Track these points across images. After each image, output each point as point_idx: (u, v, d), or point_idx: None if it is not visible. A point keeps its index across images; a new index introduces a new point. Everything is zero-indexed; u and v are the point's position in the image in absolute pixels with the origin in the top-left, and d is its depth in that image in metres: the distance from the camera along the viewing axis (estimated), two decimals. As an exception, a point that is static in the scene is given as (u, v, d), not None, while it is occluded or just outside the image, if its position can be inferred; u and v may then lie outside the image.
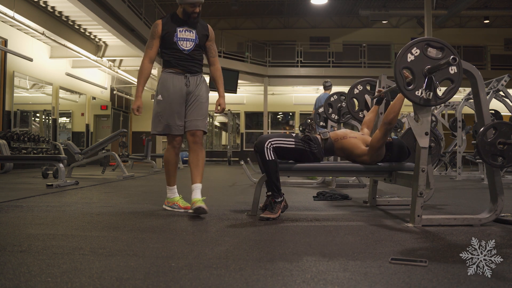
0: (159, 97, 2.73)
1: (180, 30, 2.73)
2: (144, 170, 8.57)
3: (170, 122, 2.71)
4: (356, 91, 3.32)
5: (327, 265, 1.43)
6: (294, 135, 2.66)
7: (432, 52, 2.15)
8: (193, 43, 2.75)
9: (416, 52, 2.13)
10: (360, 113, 3.35)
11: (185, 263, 1.46)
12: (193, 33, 2.76)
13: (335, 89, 6.25)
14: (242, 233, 2.03)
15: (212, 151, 16.08)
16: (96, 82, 11.82)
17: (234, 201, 3.41)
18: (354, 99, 3.38)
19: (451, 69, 2.15)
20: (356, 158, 2.68)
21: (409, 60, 2.13)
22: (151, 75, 8.34)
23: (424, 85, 2.13)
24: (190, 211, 2.61)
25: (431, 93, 2.13)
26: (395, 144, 2.70)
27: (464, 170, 7.52)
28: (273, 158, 2.45)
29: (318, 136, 2.71)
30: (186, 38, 2.74)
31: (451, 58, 2.00)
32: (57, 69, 10.09)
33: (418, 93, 2.14)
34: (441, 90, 2.20)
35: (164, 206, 2.84)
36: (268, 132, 14.39)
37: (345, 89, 3.42)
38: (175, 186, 2.83)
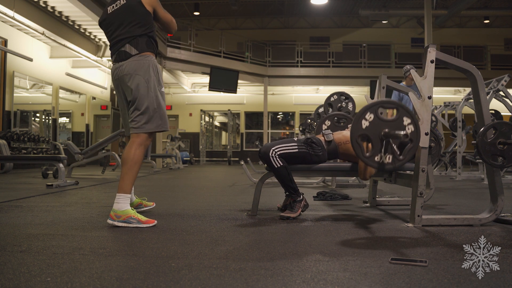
0: (163, 89, 2.42)
1: None
2: (144, 170, 8.56)
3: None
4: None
5: (327, 265, 1.43)
6: (296, 139, 2.65)
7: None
8: None
9: (370, 117, 2.04)
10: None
11: (185, 263, 1.46)
12: None
13: (334, 89, 6.25)
14: (242, 233, 2.03)
15: (212, 151, 16.09)
16: (96, 82, 11.83)
17: (234, 201, 3.41)
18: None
19: (409, 129, 2.08)
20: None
21: (364, 126, 2.04)
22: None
23: (383, 149, 2.07)
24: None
25: (391, 156, 2.07)
26: None
27: (464, 170, 7.51)
28: (282, 164, 2.45)
29: (322, 138, 2.66)
30: None
31: (402, 134, 1.97)
32: (57, 69, 10.09)
33: (377, 158, 2.07)
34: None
35: (113, 222, 2.17)
36: (268, 133, 14.39)
37: (345, 89, 3.42)
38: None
